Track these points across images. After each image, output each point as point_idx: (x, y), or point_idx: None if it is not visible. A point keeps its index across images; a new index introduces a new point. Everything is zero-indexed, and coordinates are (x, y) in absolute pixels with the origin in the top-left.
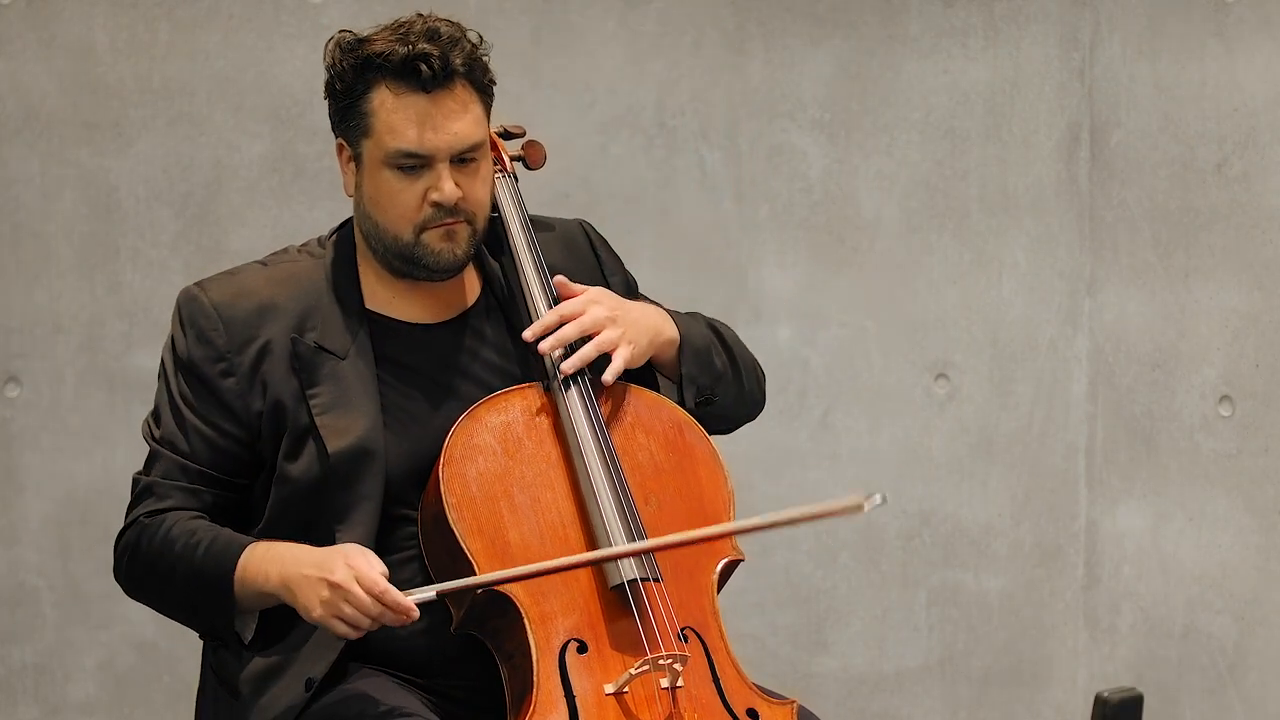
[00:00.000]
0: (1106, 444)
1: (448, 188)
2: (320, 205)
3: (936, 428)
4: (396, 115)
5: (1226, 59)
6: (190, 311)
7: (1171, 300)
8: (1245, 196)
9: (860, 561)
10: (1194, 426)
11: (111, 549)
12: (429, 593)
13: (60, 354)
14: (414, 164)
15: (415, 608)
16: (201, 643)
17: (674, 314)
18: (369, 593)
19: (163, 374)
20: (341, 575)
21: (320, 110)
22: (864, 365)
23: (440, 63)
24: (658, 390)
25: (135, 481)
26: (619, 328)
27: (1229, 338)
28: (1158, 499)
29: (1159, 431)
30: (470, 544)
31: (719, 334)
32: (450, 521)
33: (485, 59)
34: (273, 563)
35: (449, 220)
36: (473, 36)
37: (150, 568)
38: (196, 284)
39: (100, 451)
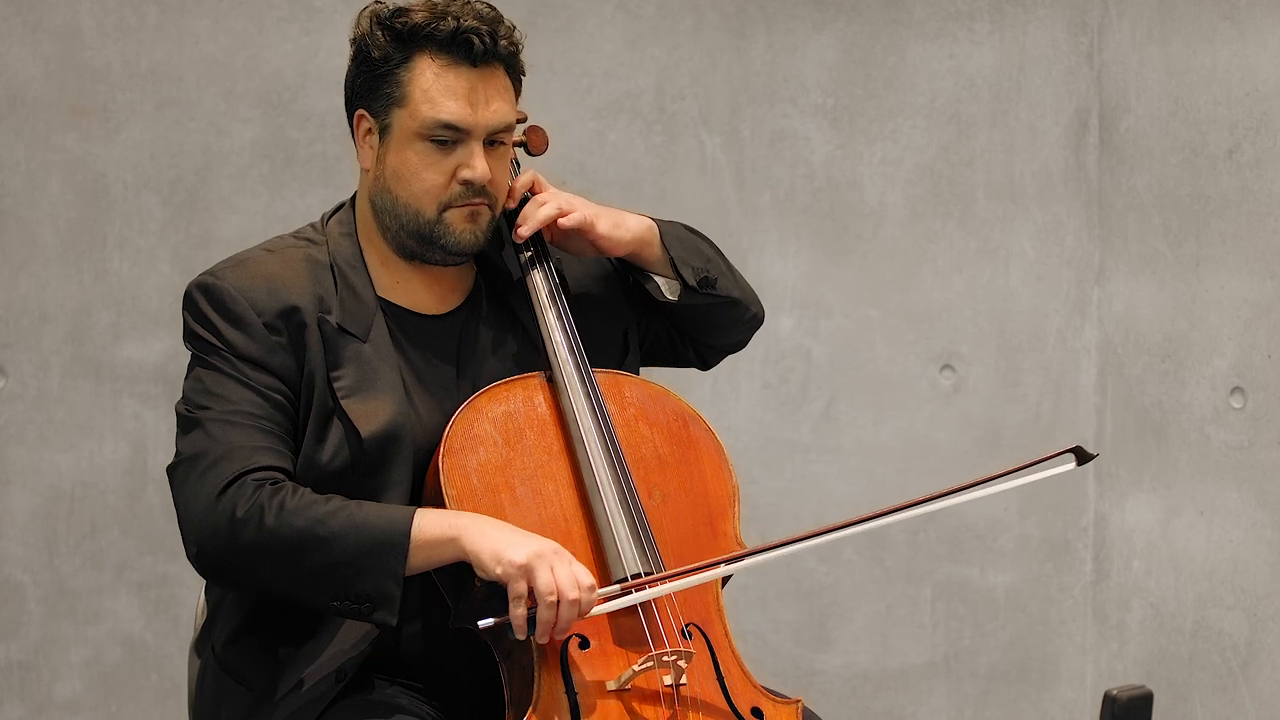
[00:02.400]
0: (1115, 436)
1: (481, 165)
2: (312, 192)
3: (942, 420)
4: (439, 86)
5: (1238, 42)
6: (214, 301)
7: (1182, 289)
8: (1257, 183)
9: (864, 557)
10: (1205, 418)
11: (190, 526)
12: (612, 588)
13: (46, 344)
14: (450, 137)
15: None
16: (194, 638)
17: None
18: (579, 576)
19: (203, 366)
20: (565, 552)
21: (313, 95)
22: (868, 356)
23: (490, 39)
24: (668, 357)
25: (197, 455)
26: (586, 207)
27: (1240, 327)
28: (1168, 492)
29: (1169, 423)
30: None
31: (691, 228)
32: None
33: (521, 47)
34: (462, 515)
35: (475, 200)
36: (508, 21)
37: (289, 529)
38: (207, 274)
39: (87, 444)
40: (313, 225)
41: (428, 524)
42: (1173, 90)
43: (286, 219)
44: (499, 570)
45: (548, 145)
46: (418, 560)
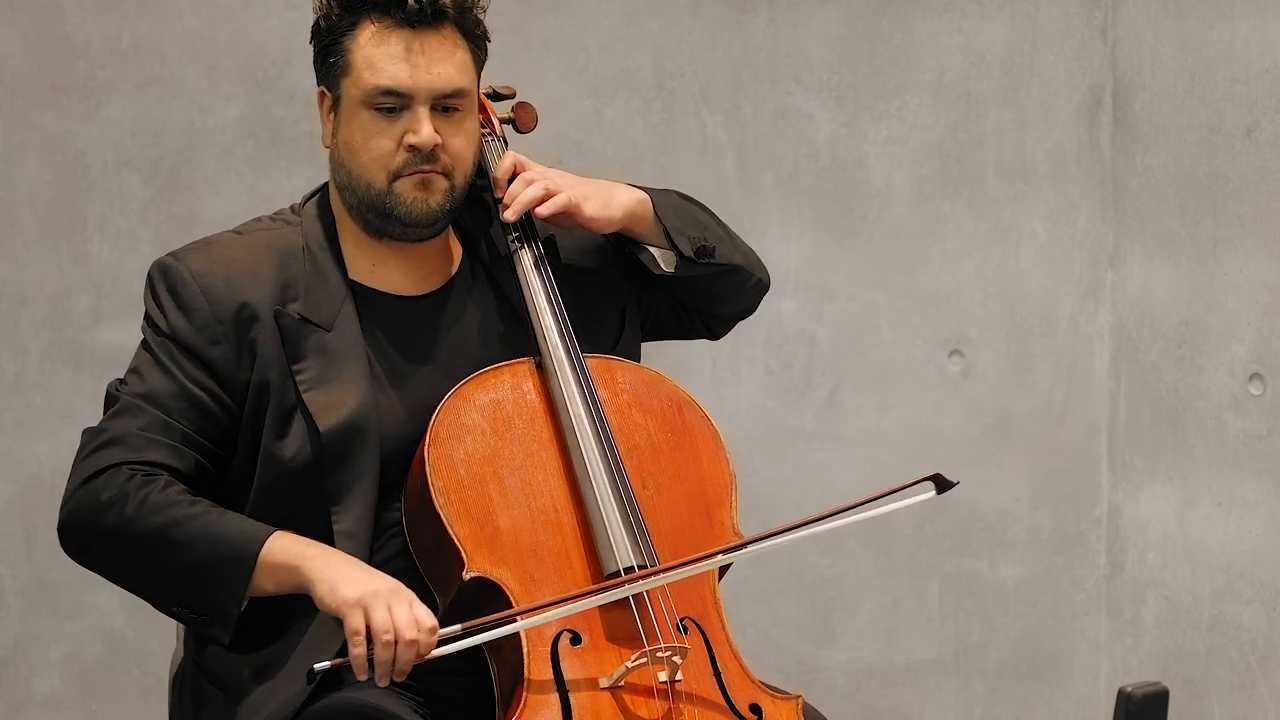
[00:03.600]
0: (1130, 424)
1: (425, 130)
2: (299, 172)
3: (950, 407)
4: (378, 50)
5: (1257, 17)
6: (168, 282)
7: (1199, 272)
8: (1277, 163)
9: (869, 549)
10: (1222, 406)
11: (64, 498)
12: (454, 628)
13: (24, 329)
14: (392, 103)
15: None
16: (178, 634)
17: (638, 186)
18: (420, 617)
19: (144, 345)
20: (408, 592)
21: (299, 71)
22: (873, 341)
23: None
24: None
25: (98, 431)
26: (574, 187)
27: (1259, 312)
28: (1184, 482)
29: (1185, 411)
30: (457, 529)
31: (687, 196)
32: (436, 506)
33: (479, 12)
34: (314, 545)
35: (424, 168)
36: None
37: (144, 523)
38: (170, 254)
39: (66, 432)
40: (292, 207)
41: (279, 547)
42: (1189, 66)
43: (272, 199)
44: (333, 604)
45: (537, 122)
46: (262, 582)
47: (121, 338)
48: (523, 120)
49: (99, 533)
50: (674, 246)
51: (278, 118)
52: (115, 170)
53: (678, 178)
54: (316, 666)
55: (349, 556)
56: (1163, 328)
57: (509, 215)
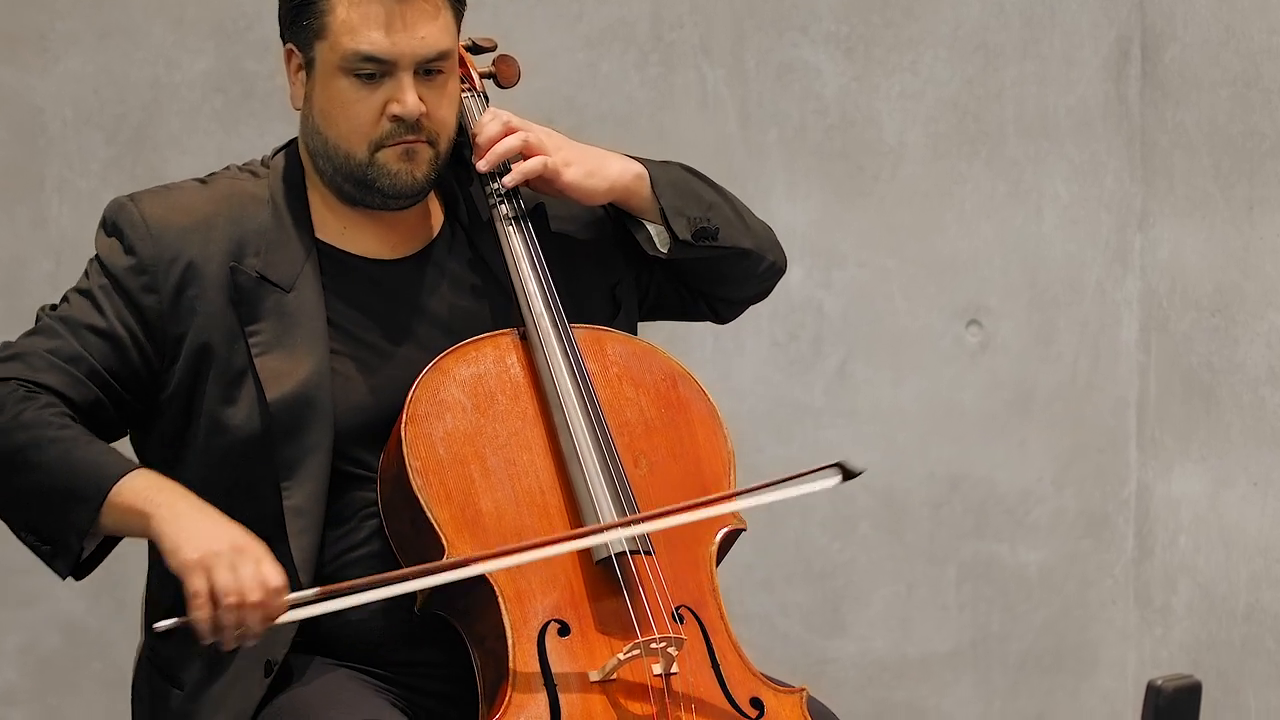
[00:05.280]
0: (1160, 399)
1: (410, 99)
2: (271, 130)
3: (968, 381)
4: (358, 14)
5: None
6: (118, 221)
7: (1233, 235)
8: None
9: (882, 532)
10: (1259, 379)
11: None
12: (309, 591)
13: None
14: (374, 70)
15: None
16: (141, 627)
17: (641, 159)
18: (266, 577)
19: (84, 274)
20: (255, 549)
21: (272, 23)
22: (886, 310)
23: None
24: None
25: (7, 345)
26: (560, 150)
27: None
28: (1218, 461)
29: (1219, 385)
30: (436, 512)
31: (696, 172)
32: (414, 487)
33: None
34: (169, 492)
35: (409, 138)
36: None
37: (8, 438)
38: (130, 195)
39: None
40: (262, 159)
41: (129, 489)
42: (1223, 16)
43: (242, 158)
44: (174, 564)
45: (520, 77)
46: (110, 522)
47: None
48: (504, 75)
49: None
50: (670, 228)
51: (249, 72)
52: (75, 128)
53: (677, 136)
54: (156, 626)
55: (202, 506)
56: (1195, 295)
57: (482, 165)
